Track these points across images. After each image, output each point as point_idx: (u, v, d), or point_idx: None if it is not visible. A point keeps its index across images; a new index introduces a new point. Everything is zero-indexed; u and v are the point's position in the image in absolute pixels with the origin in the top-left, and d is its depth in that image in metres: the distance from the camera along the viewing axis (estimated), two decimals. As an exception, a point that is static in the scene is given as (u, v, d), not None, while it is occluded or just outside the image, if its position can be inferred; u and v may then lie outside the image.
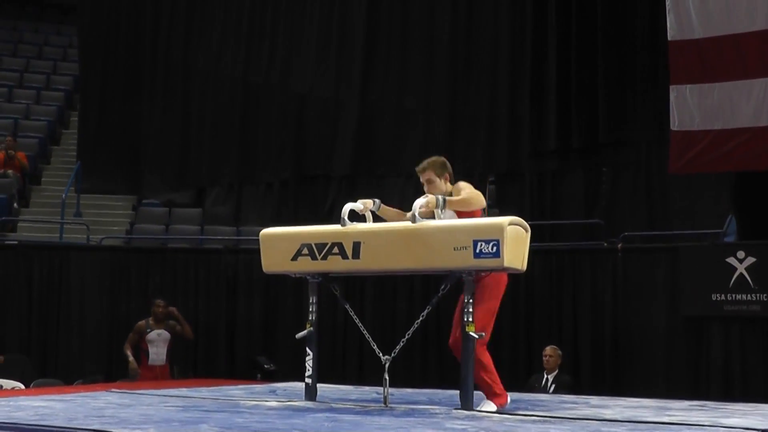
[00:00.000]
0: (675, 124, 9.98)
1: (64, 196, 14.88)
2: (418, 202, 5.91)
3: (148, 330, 11.20)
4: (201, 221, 15.40)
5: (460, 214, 6.14)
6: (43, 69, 20.75)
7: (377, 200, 6.40)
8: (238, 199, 14.12)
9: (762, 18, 9.62)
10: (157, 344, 11.20)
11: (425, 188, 6.31)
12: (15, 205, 15.25)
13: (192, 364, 11.84)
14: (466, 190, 6.22)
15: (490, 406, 5.89)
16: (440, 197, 6.02)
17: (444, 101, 12.01)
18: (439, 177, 6.29)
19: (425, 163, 6.35)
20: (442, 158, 6.39)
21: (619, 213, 11.44)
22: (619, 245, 10.46)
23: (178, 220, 15.63)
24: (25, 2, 24.03)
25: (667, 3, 10.05)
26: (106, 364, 11.79)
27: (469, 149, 11.82)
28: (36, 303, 12.10)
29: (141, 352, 11.21)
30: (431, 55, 12.08)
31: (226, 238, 14.18)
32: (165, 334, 11.23)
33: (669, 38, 10.03)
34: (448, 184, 6.32)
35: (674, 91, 10.00)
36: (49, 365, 11.75)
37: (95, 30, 14.84)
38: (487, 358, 6.08)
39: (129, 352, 11.22)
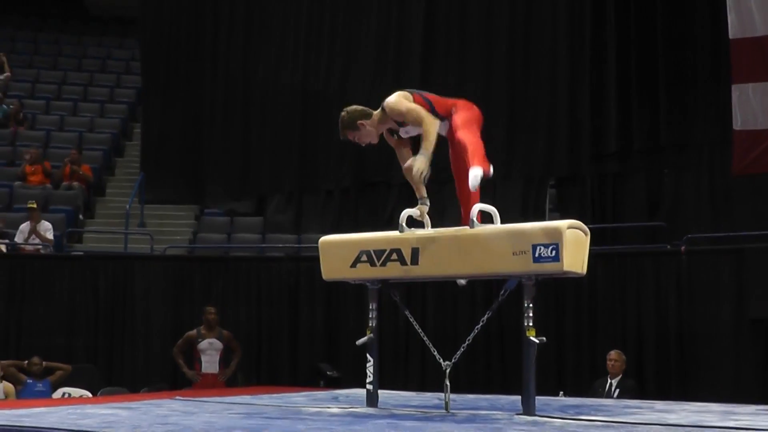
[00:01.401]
0: (738, 124, 9.90)
1: (128, 207, 15.09)
2: (475, 209, 5.90)
3: (199, 339, 11.35)
4: (262, 230, 15.52)
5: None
6: (106, 82, 21.05)
7: (424, 201, 6.40)
8: (298, 207, 14.16)
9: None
10: (210, 353, 11.34)
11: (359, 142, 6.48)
12: (80, 216, 15.51)
13: (255, 372, 11.89)
14: (405, 107, 6.23)
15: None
16: (421, 159, 6.05)
17: (503, 106, 11.95)
18: (358, 130, 6.36)
19: (340, 128, 6.48)
20: (346, 113, 6.43)
21: (682, 215, 11.33)
22: (683, 248, 10.37)
23: (240, 228, 15.79)
24: (89, 17, 24.39)
25: (728, 1, 9.97)
26: (170, 373, 11.88)
27: (529, 153, 11.77)
28: (102, 313, 12.26)
29: (195, 361, 11.34)
30: (489, 59, 12.05)
31: (288, 246, 14.27)
32: (217, 344, 11.35)
33: (730, 36, 9.95)
34: (370, 120, 6.37)
35: (737, 91, 9.91)
36: (115, 374, 11.89)
37: (156, 43, 15.00)
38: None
39: (181, 361, 11.38)
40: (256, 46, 13.89)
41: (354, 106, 6.44)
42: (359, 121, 6.34)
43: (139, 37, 16.64)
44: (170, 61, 14.68)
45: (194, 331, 11.44)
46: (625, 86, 11.10)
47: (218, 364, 11.36)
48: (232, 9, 14.16)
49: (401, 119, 6.26)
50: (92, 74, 21.42)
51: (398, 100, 6.27)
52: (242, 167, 13.89)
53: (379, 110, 6.35)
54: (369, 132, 6.35)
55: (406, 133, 6.41)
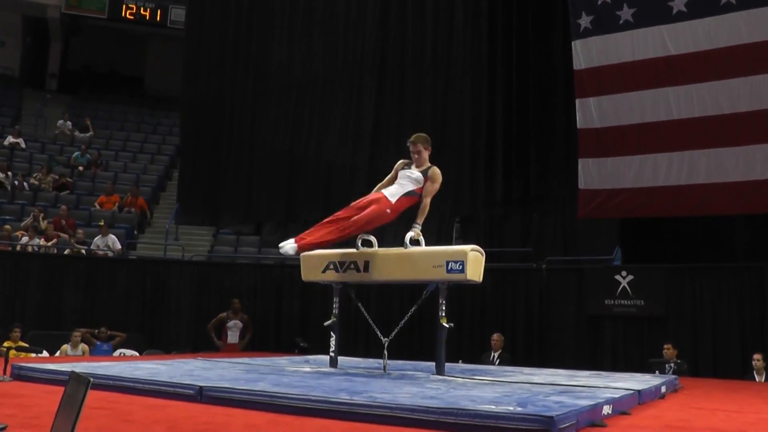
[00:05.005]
0: (582, 185, 10.01)
1: (167, 226, 14.98)
2: (408, 235, 5.93)
3: (228, 320, 11.33)
4: (259, 245, 15.45)
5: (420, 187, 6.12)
6: (156, 141, 20.92)
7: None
8: (284, 230, 14.10)
9: (638, 115, 9.71)
10: (233, 330, 11.32)
11: (413, 157, 6.19)
12: (135, 232, 15.34)
13: (251, 341, 11.79)
14: (435, 186, 6.13)
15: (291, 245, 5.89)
16: (419, 227, 5.95)
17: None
18: (425, 149, 6.17)
19: (415, 136, 6.19)
20: (426, 135, 6.27)
21: (544, 244, 11.44)
22: (544, 266, 10.47)
23: (244, 243, 15.70)
24: (147, 96, 24.39)
25: (576, 102, 10.11)
26: (193, 341, 11.79)
27: (443, 199, 11.74)
28: (148, 298, 12.18)
29: (222, 334, 11.30)
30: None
31: (276, 257, 14.18)
32: (238, 324, 11.37)
33: (578, 127, 10.09)
34: (427, 155, 6.21)
35: (581, 163, 10.04)
36: (155, 340, 11.77)
37: (191, 115, 14.89)
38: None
39: (213, 334, 11.32)
40: (259, 121, 13.85)
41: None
42: (429, 147, 6.22)
43: (179, 111, 16.54)
44: (200, 128, 14.58)
45: (225, 314, 11.43)
46: (508, 157, 11.18)
47: (238, 337, 11.32)
48: (243, 93, 14.13)
49: (430, 182, 6.12)
50: (147, 135, 21.29)
51: (440, 177, 6.17)
52: (246, 202, 13.81)
53: (428, 164, 6.21)
54: (425, 157, 6.19)
55: (409, 170, 6.22)
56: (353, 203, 6.22)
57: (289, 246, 5.96)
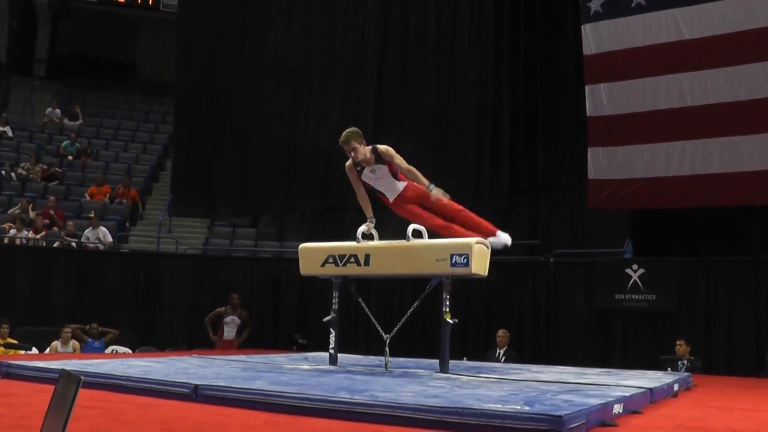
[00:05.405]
0: (591, 174, 10.00)
1: (161, 218, 15.01)
2: (410, 228, 5.92)
3: (226, 315, 11.35)
4: (255, 237, 15.44)
5: (392, 168, 6.13)
6: (148, 129, 20.91)
7: (371, 219, 6.35)
8: (281, 222, 14.14)
9: (650, 101, 9.68)
10: (230, 326, 11.32)
11: (351, 155, 6.11)
12: (127, 224, 15.36)
13: (248, 339, 11.80)
14: (399, 157, 6.11)
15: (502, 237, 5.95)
16: (433, 186, 6.07)
17: (429, 157, 11.96)
18: (359, 144, 6.07)
19: (344, 136, 6.08)
20: (356, 128, 6.18)
21: (552, 236, 11.40)
22: (552, 259, 10.45)
23: (240, 236, 15.71)
24: (138, 82, 24.36)
25: (586, 89, 10.09)
26: (188, 337, 11.78)
27: (446, 190, 11.78)
28: (141, 293, 12.18)
29: (219, 329, 11.31)
30: (420, 126, 12.03)
31: (273, 250, 14.19)
32: (236, 320, 11.36)
33: (587, 114, 10.06)
34: (365, 146, 6.11)
35: (591, 152, 10.03)
36: (149, 337, 11.78)
37: (184, 103, 14.88)
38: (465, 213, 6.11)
39: (209, 328, 11.34)
40: (255, 108, 13.82)
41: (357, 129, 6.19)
42: (362, 140, 6.10)
43: (172, 98, 16.51)
44: (193, 116, 14.58)
45: (223, 309, 11.43)
46: (515, 145, 11.16)
47: (235, 334, 11.33)
48: (238, 80, 14.10)
49: (395, 160, 6.07)
50: (138, 123, 21.29)
51: (391, 148, 6.12)
52: (242, 193, 13.81)
53: (366, 148, 6.12)
54: (362, 150, 6.07)
55: (372, 171, 6.18)
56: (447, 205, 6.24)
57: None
